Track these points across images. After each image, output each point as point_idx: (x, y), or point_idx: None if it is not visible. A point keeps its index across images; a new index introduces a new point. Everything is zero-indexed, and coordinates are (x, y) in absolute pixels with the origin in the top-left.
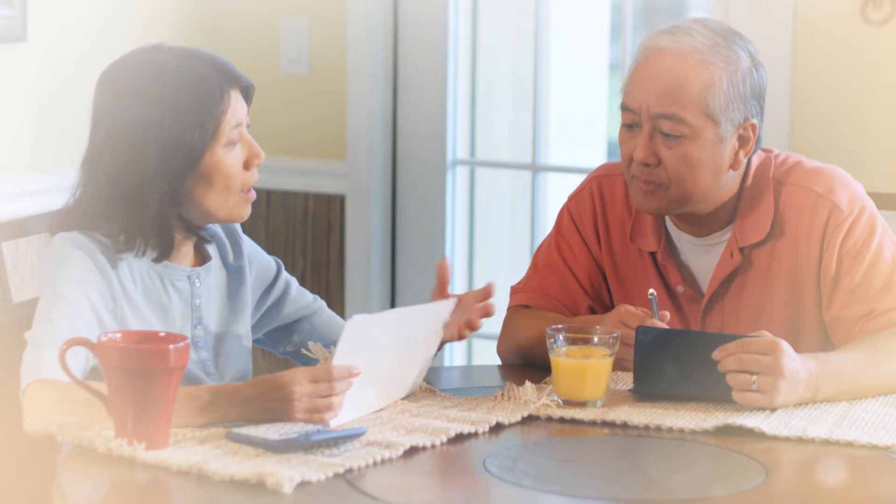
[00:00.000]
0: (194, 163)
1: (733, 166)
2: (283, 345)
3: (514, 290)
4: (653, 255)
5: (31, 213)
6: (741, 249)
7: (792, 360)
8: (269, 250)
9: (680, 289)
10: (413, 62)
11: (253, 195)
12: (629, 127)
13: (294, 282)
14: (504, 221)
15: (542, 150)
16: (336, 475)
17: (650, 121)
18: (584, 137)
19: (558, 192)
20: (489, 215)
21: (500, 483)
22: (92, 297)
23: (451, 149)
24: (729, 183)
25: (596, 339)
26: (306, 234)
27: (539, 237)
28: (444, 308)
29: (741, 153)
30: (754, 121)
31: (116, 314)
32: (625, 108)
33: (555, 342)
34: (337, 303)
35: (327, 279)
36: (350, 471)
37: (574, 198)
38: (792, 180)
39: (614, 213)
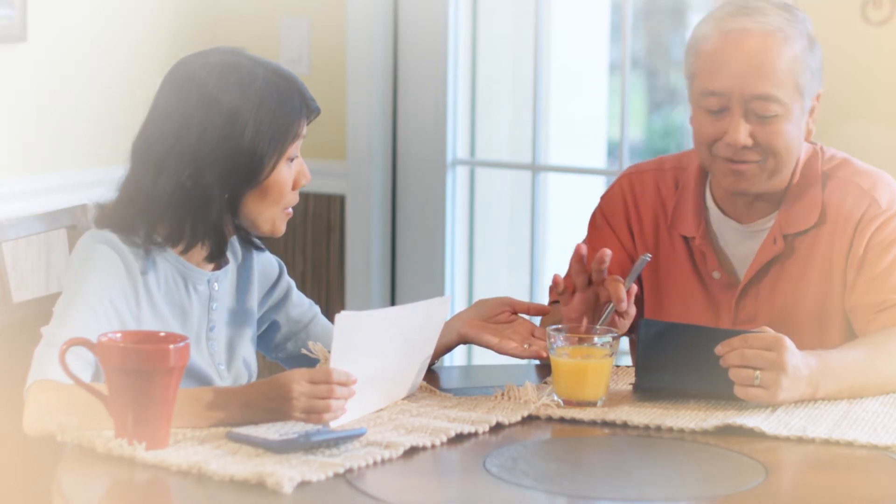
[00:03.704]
0: (260, 177)
1: (807, 137)
2: (276, 351)
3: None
4: (687, 244)
5: (30, 213)
6: (784, 237)
7: (794, 356)
8: (269, 250)
9: (716, 275)
10: (413, 62)
11: (291, 213)
12: (713, 111)
13: (294, 284)
14: (504, 221)
15: (542, 150)
16: (336, 475)
17: (741, 102)
18: (584, 137)
19: (558, 192)
20: (489, 215)
21: (500, 483)
22: (115, 299)
23: (451, 149)
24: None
25: (596, 339)
26: (306, 234)
27: (539, 237)
28: (439, 306)
29: (810, 122)
30: (821, 90)
31: (138, 317)
32: (710, 93)
33: (555, 342)
34: (337, 303)
35: (327, 279)
36: (350, 471)
37: (605, 197)
38: (839, 174)
39: (646, 206)
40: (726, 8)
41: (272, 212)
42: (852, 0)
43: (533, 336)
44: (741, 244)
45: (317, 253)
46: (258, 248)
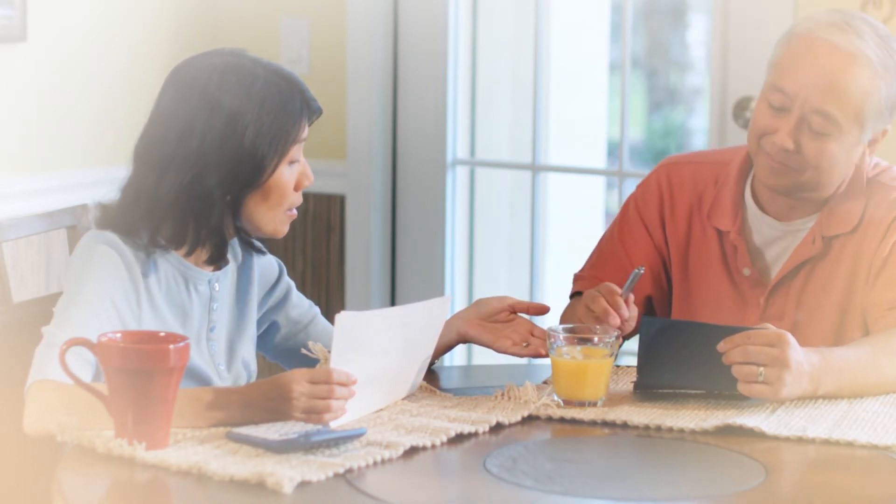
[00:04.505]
0: (261, 179)
1: (859, 164)
2: (276, 352)
3: (577, 278)
4: (720, 238)
5: (30, 213)
6: (823, 238)
7: (797, 352)
8: (270, 250)
9: (746, 272)
10: (413, 62)
11: (295, 214)
12: (774, 106)
13: (293, 285)
14: (504, 221)
15: (542, 150)
16: (336, 475)
17: (801, 108)
18: (584, 137)
19: (558, 191)
20: (489, 215)
21: (500, 483)
22: (115, 298)
23: (451, 149)
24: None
25: (596, 339)
26: (306, 234)
27: (539, 237)
28: (439, 306)
29: (867, 151)
30: (887, 127)
31: (139, 317)
32: (778, 89)
33: (555, 342)
34: (337, 303)
35: (327, 279)
36: (350, 471)
37: (641, 186)
38: (880, 179)
39: (682, 198)
40: (831, 16)
41: (274, 213)
42: (852, 0)
43: (532, 335)
44: (776, 242)
45: (317, 253)
46: (259, 252)
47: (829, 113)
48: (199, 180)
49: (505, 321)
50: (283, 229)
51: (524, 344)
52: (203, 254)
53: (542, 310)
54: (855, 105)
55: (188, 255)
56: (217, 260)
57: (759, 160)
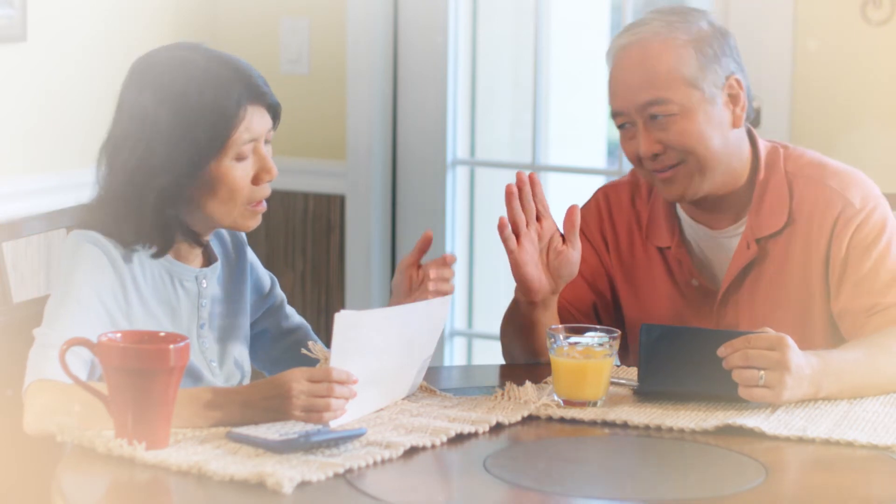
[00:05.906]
0: (198, 169)
1: (735, 124)
2: (264, 360)
3: None
4: (663, 255)
5: (30, 213)
6: (757, 241)
7: (797, 355)
8: (270, 250)
9: (695, 282)
10: (413, 62)
11: (262, 207)
12: (624, 128)
13: (286, 299)
14: None
15: (542, 150)
16: (336, 475)
17: (639, 114)
18: (584, 137)
19: (558, 192)
20: (489, 215)
21: (500, 483)
22: (104, 297)
23: (451, 149)
24: (739, 163)
25: (596, 339)
26: (306, 234)
27: None
28: (439, 306)
29: (737, 110)
30: (737, 76)
31: (128, 314)
32: (615, 112)
33: (555, 342)
34: (337, 303)
35: (327, 279)
36: (350, 471)
37: (582, 210)
38: (807, 174)
39: (621, 219)
40: (626, 27)
41: (228, 208)
42: (852, 0)
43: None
44: (717, 251)
45: (317, 253)
46: (198, 244)
47: (657, 97)
48: (140, 168)
49: (422, 281)
50: (246, 224)
51: (431, 287)
52: (151, 246)
53: (427, 237)
54: (672, 76)
55: (149, 248)
56: (162, 254)
57: (652, 182)
